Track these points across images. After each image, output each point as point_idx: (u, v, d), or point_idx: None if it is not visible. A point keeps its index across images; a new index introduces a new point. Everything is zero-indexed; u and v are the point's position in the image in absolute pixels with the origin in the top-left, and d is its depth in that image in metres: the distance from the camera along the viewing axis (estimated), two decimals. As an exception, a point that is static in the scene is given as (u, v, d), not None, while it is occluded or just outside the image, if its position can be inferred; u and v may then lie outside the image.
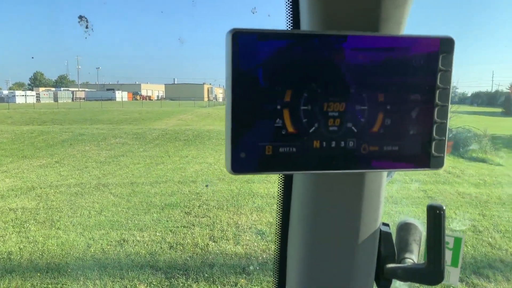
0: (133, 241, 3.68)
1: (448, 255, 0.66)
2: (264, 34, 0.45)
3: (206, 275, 3.03)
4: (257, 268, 3.11)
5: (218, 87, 65.97)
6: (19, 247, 3.60)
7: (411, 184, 5.16)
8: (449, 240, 0.66)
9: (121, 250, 3.51)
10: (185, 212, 4.46)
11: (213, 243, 3.59)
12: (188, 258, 3.33)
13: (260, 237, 3.70)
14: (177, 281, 2.95)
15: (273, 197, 4.84)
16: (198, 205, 4.73)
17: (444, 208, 0.53)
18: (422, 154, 0.50)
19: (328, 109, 0.48)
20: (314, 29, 0.53)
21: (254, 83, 0.46)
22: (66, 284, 2.99)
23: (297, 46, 0.46)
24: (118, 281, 3.00)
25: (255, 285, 2.87)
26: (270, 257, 3.30)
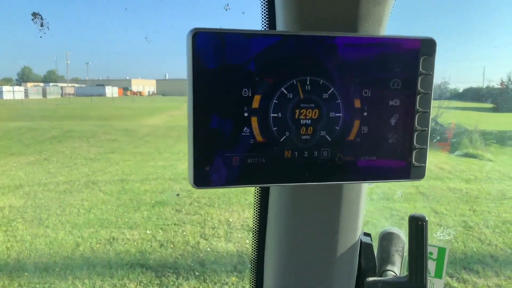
0: (123, 239, 3.63)
1: (431, 266, 0.64)
2: (229, 34, 0.41)
3: (197, 273, 3.00)
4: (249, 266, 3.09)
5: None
6: (6, 246, 3.52)
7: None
8: (432, 251, 0.63)
9: (110, 249, 3.46)
10: (176, 210, 4.42)
11: (204, 241, 3.56)
12: (178, 256, 3.29)
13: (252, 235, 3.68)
14: (167, 279, 2.92)
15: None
16: (189, 202, 4.69)
17: (426, 219, 0.50)
18: (402, 164, 0.47)
19: (300, 116, 0.44)
20: (290, 29, 0.49)
21: (218, 88, 0.42)
22: (54, 284, 2.94)
23: (265, 47, 0.42)
24: (107, 280, 2.96)
25: (246, 284, 2.85)
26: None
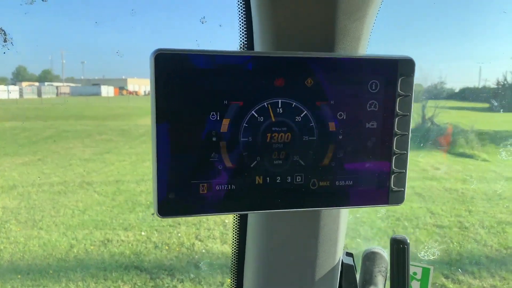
0: (117, 240, 3.61)
1: (416, 286, 0.61)
2: (194, 55, 0.39)
3: (192, 275, 2.98)
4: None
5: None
6: (-1, 248, 3.49)
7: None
8: (417, 271, 0.62)
9: (105, 250, 3.43)
10: (171, 211, 4.40)
11: (199, 242, 3.55)
12: (173, 258, 3.27)
13: (247, 236, 3.66)
14: (162, 281, 2.90)
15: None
16: (184, 203, 4.67)
17: (408, 241, 0.49)
18: (379, 189, 0.45)
19: (272, 140, 0.42)
20: (266, 47, 0.46)
21: (184, 111, 0.39)
22: (47, 286, 2.91)
23: (233, 68, 0.40)
24: (101, 282, 2.93)
25: (241, 286, 2.83)
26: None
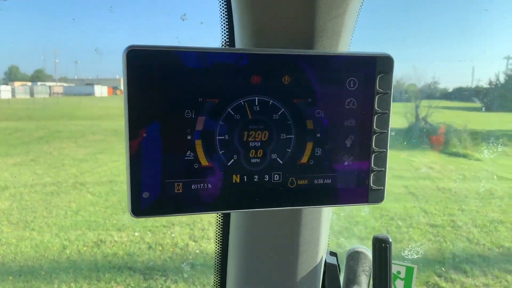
0: (110, 241, 3.58)
1: (399, 286, 0.61)
2: (168, 51, 0.38)
3: (185, 275, 2.97)
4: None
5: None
6: (-11, 250, 3.45)
7: (392, 180, 5.21)
8: (400, 270, 0.61)
9: (98, 251, 3.41)
10: (165, 211, 4.38)
11: (193, 243, 3.53)
12: (167, 259, 3.26)
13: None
14: (155, 282, 2.88)
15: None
16: (178, 203, 4.66)
17: (390, 240, 0.49)
18: (359, 188, 0.45)
19: (249, 138, 0.41)
20: (245, 44, 0.46)
21: (157, 109, 0.38)
22: (39, 287, 2.89)
23: (208, 65, 0.39)
24: (94, 284, 2.91)
25: None
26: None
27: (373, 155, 0.44)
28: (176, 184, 0.40)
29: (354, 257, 0.60)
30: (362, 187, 0.45)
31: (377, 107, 0.43)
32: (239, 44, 0.49)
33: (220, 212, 0.45)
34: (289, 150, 0.43)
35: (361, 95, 0.43)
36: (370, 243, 0.55)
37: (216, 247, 0.62)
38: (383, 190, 0.46)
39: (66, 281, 2.95)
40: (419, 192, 4.67)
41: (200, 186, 0.41)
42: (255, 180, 0.42)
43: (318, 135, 0.43)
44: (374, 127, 0.44)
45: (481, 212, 4.08)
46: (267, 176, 0.42)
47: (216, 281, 0.63)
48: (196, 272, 3.03)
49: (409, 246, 3.29)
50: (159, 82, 0.38)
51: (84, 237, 3.70)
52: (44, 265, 3.21)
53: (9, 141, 9.14)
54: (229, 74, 0.40)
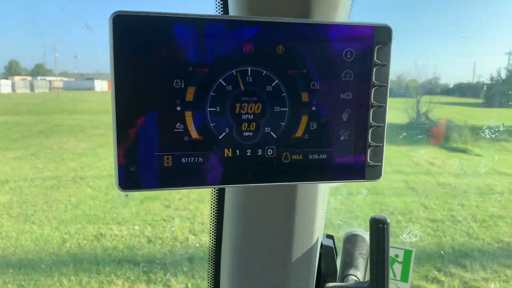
0: (110, 235, 3.59)
1: (397, 269, 0.60)
2: (157, 17, 0.36)
3: (185, 269, 2.98)
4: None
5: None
6: (-10, 243, 3.46)
7: (392, 175, 5.21)
8: (398, 253, 0.60)
9: (98, 245, 3.41)
10: (165, 205, 4.39)
11: (193, 237, 3.54)
12: (167, 252, 3.27)
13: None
14: (155, 275, 2.89)
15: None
16: (178, 198, 4.65)
17: (388, 221, 0.47)
18: (355, 164, 0.44)
19: (241, 111, 0.40)
20: (239, 12, 0.44)
21: (145, 78, 0.37)
22: (39, 281, 2.89)
23: (199, 33, 0.38)
24: (94, 277, 2.92)
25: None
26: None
27: (370, 130, 0.43)
28: (165, 157, 0.39)
29: (351, 240, 0.59)
30: (359, 163, 0.44)
31: (374, 79, 0.42)
32: (233, 11, 0.47)
33: (211, 187, 0.43)
34: (283, 124, 0.41)
35: (358, 66, 0.41)
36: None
37: (210, 224, 0.61)
38: (380, 167, 0.45)
39: (66, 274, 2.96)
40: (419, 187, 4.67)
41: (191, 159, 0.40)
42: (248, 154, 0.41)
43: (314, 108, 0.42)
44: (372, 100, 0.42)
45: (481, 207, 4.08)
46: (260, 151, 0.41)
47: (211, 259, 0.62)
48: (196, 266, 3.03)
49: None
50: (147, 50, 0.37)
51: (84, 231, 3.71)
52: (44, 258, 3.22)
53: (9, 135, 9.14)
54: (221, 42, 0.38)
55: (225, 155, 0.41)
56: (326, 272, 0.55)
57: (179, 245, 3.37)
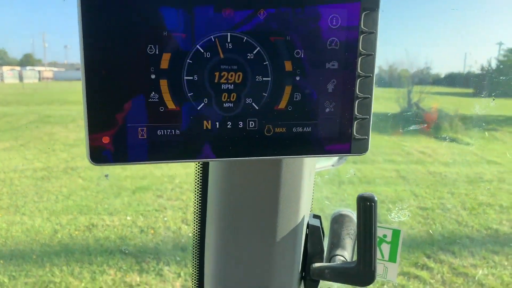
0: (102, 225, 3.58)
1: (385, 250, 0.59)
2: None
3: (178, 258, 2.99)
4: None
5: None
6: (-20, 235, 3.43)
7: (384, 164, 5.25)
8: (387, 233, 0.59)
9: (89, 235, 3.40)
10: (157, 196, 4.37)
11: (185, 226, 3.54)
12: (159, 242, 3.27)
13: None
14: (147, 265, 2.89)
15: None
16: (170, 188, 4.64)
17: (375, 199, 0.46)
18: (341, 137, 0.42)
19: (221, 80, 0.38)
20: None
21: (116, 43, 0.34)
22: (31, 271, 2.88)
23: None
24: (86, 267, 2.91)
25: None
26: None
27: (356, 101, 0.41)
28: (139, 129, 0.37)
29: (338, 220, 0.59)
30: (344, 136, 0.42)
31: (361, 48, 0.40)
32: None
33: (189, 161, 0.40)
34: (266, 95, 0.39)
35: (345, 34, 0.39)
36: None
37: (194, 202, 0.60)
38: (367, 140, 0.42)
39: (58, 265, 2.95)
40: (410, 176, 4.72)
41: (167, 131, 0.37)
42: (228, 126, 0.39)
43: (298, 78, 0.39)
44: (358, 70, 0.40)
45: (470, 195, 4.14)
46: (241, 123, 0.39)
47: (196, 237, 0.61)
48: (188, 255, 3.04)
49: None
50: (118, 13, 0.34)
51: (76, 222, 3.69)
52: (36, 249, 3.20)
53: (-2, 126, 9.01)
54: (198, 5, 0.36)
55: (204, 127, 0.38)
56: (312, 252, 0.54)
57: (172, 235, 3.38)
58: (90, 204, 4.15)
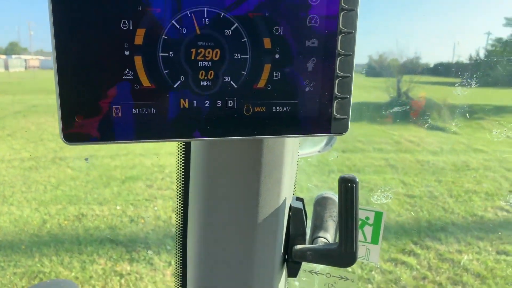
0: (92, 215, 3.56)
1: (368, 232, 0.60)
2: None
3: (168, 247, 2.99)
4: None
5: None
6: (-33, 225, 3.39)
7: (373, 153, 5.30)
8: (369, 215, 0.59)
9: (79, 225, 3.39)
10: (147, 185, 4.36)
11: (176, 216, 3.54)
12: (150, 231, 3.27)
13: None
14: (138, 254, 2.90)
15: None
16: (161, 177, 4.63)
17: (357, 180, 0.46)
18: (321, 117, 0.41)
19: (198, 57, 0.37)
20: None
21: (88, 18, 0.33)
22: (20, 261, 2.86)
23: None
24: (76, 256, 2.91)
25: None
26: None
27: (337, 81, 0.40)
28: (114, 107, 0.36)
29: (321, 202, 0.59)
30: (324, 116, 0.41)
31: (342, 25, 0.39)
32: None
33: (165, 141, 0.39)
34: (244, 73, 0.38)
35: (325, 11, 0.38)
36: None
37: (177, 183, 0.60)
38: (347, 120, 0.42)
39: (47, 255, 2.94)
40: (398, 164, 4.77)
41: (143, 110, 0.36)
42: (206, 105, 0.38)
43: (277, 56, 0.38)
44: (339, 48, 0.39)
45: (457, 183, 4.21)
46: (219, 102, 0.38)
47: (179, 220, 0.61)
48: (178, 244, 3.05)
49: (389, 217, 3.38)
50: None
51: (65, 211, 3.67)
52: (24, 239, 3.18)
53: (-16, 116, 8.83)
54: None
55: (181, 106, 0.37)
56: (294, 234, 0.54)
57: (162, 224, 3.38)
58: (79, 194, 4.12)
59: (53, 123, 8.44)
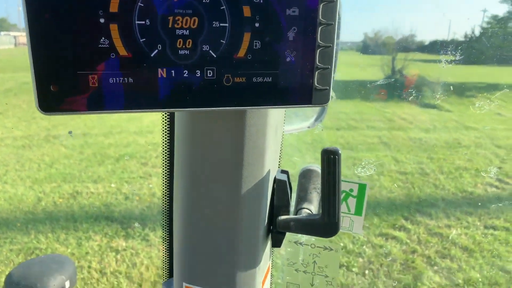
0: (86, 193, 3.58)
1: (352, 203, 0.61)
2: None
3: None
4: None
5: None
6: (-39, 203, 3.40)
7: (366, 131, 5.32)
8: (353, 187, 0.60)
9: (74, 203, 3.41)
10: (142, 163, 4.37)
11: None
12: (145, 208, 3.30)
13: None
14: (133, 230, 2.93)
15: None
16: (155, 155, 4.63)
17: (340, 152, 0.46)
18: (302, 87, 0.40)
19: (175, 25, 0.35)
20: None
21: None
22: (16, 238, 2.89)
23: None
24: (71, 233, 2.94)
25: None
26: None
27: (318, 51, 0.39)
28: (90, 76, 0.35)
29: (306, 175, 0.59)
30: (305, 87, 0.40)
31: None
32: None
33: (143, 111, 0.37)
34: (224, 42, 0.37)
35: None
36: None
37: (163, 154, 0.60)
38: (328, 91, 0.41)
39: (42, 232, 2.96)
40: (391, 142, 4.81)
41: (120, 79, 0.35)
42: (185, 75, 0.37)
43: (257, 24, 0.37)
44: (320, 17, 0.38)
45: (448, 160, 4.27)
46: (198, 72, 0.37)
47: (165, 191, 0.62)
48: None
49: (382, 193, 3.43)
50: None
51: (60, 189, 3.68)
52: (20, 217, 3.20)
53: (-26, 94, 8.69)
54: None
55: (159, 76, 0.36)
56: (279, 205, 0.55)
57: (157, 201, 3.41)
58: (74, 172, 4.13)
59: (45, 101, 8.30)
